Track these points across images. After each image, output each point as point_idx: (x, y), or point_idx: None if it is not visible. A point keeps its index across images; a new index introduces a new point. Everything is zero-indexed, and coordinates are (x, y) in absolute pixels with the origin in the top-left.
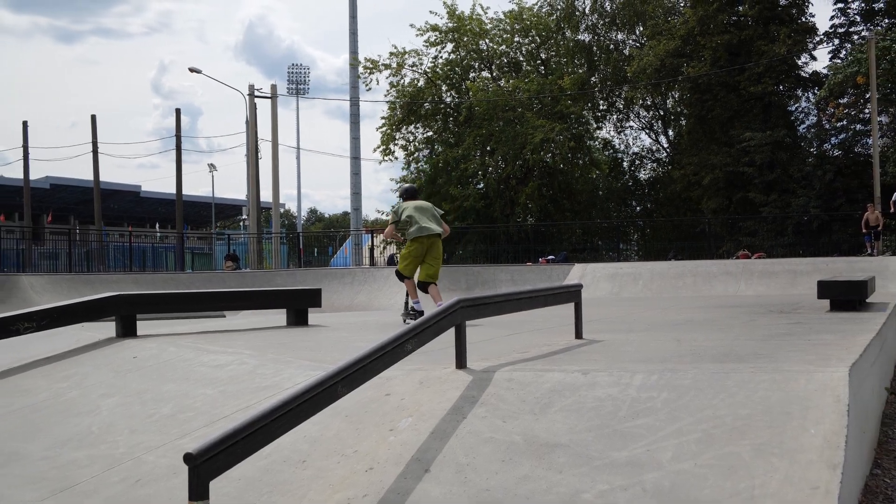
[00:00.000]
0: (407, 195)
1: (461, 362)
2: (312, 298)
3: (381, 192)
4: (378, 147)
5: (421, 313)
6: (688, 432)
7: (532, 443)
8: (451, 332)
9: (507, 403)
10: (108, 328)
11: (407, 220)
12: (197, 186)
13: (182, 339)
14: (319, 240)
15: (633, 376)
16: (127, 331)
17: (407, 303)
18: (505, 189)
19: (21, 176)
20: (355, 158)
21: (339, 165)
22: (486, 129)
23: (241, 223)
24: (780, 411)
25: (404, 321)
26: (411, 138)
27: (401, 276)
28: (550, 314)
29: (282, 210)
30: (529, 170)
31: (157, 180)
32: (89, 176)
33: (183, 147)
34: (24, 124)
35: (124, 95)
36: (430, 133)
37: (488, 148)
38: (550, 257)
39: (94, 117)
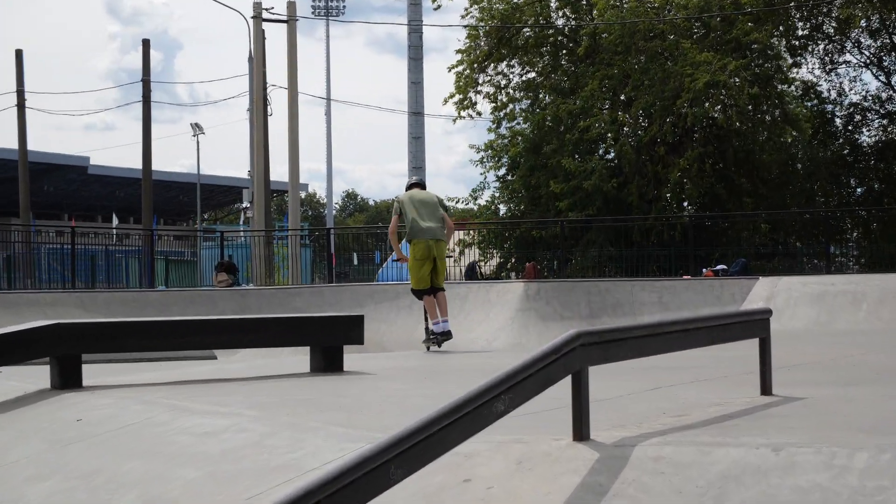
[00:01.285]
0: (413, 182)
1: (582, 431)
2: (350, 330)
3: (455, 166)
4: (451, 97)
5: (447, 335)
6: None
7: None
8: (566, 382)
9: (654, 497)
10: (38, 375)
11: (405, 217)
12: (174, 159)
13: (151, 392)
14: (361, 239)
15: (854, 455)
16: (67, 379)
17: (427, 326)
18: (648, 161)
19: None
20: (416, 115)
21: (390, 125)
22: (618, 67)
23: (242, 214)
24: None
25: (427, 349)
26: (503, 83)
27: (418, 294)
28: (721, 356)
29: (303, 194)
30: (687, 131)
31: (113, 150)
32: (11, 143)
33: (153, 99)
34: None
35: (66, 22)
36: (531, 75)
37: (622, 97)
38: (720, 267)
39: (19, 54)
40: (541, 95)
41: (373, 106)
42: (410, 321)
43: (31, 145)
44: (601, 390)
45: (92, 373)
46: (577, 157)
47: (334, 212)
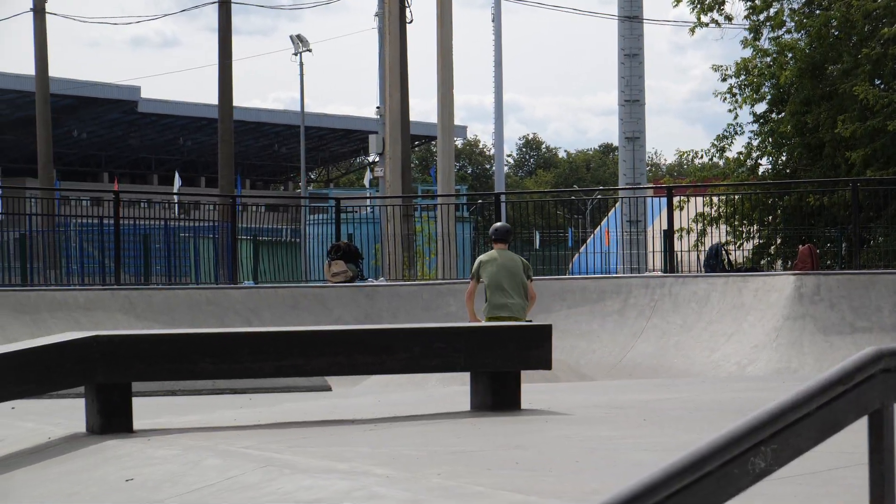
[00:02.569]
0: (495, 236)
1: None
2: (531, 348)
3: (690, 99)
4: None
5: None
6: None
7: None
8: (860, 425)
9: None
10: (68, 413)
11: (484, 283)
12: (266, 90)
13: (234, 440)
14: (546, 210)
15: None
16: (111, 419)
17: None
18: None
19: None
20: (631, 20)
21: (589, 37)
22: None
23: (368, 172)
24: None
25: None
26: None
27: None
28: None
29: (459, 142)
30: None
31: (175, 76)
32: (26, 67)
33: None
34: None
35: None
36: None
37: None
38: None
39: None
40: None
41: (564, 7)
42: (621, 334)
43: (55, 70)
44: None
45: (147, 410)
46: (879, 83)
47: (506, 169)
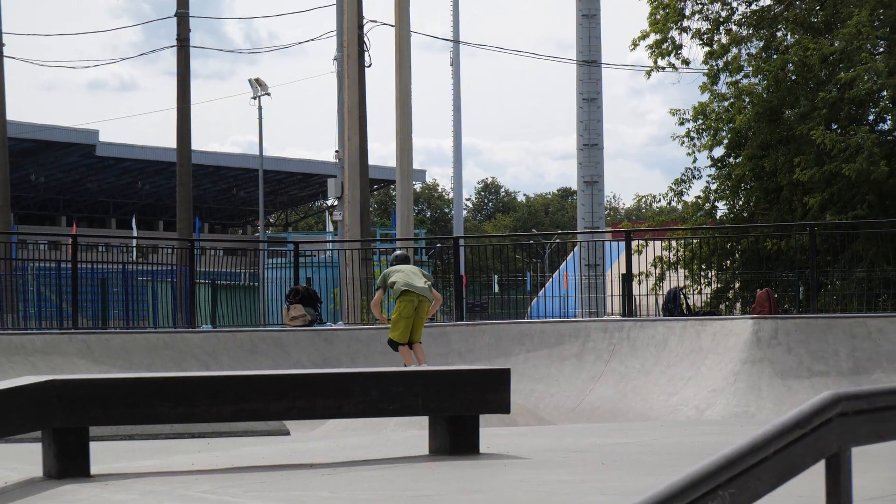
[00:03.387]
0: (397, 261)
1: None
2: (489, 391)
3: (647, 143)
4: (643, 38)
5: None
6: None
7: None
8: (817, 469)
9: None
10: (25, 457)
11: (393, 283)
12: (224, 134)
13: (192, 485)
14: (504, 254)
15: None
16: (68, 464)
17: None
18: None
19: None
20: (589, 64)
21: (549, 81)
22: None
23: (327, 216)
24: None
25: None
26: (723, 14)
27: (394, 345)
28: None
29: (418, 186)
30: None
31: (133, 120)
32: None
33: (193, 42)
34: None
35: None
36: (767, 1)
37: None
38: None
39: None
40: (780, 34)
41: (523, 52)
42: (579, 378)
43: (12, 113)
44: (868, 484)
45: (105, 454)
46: (835, 127)
47: (465, 212)
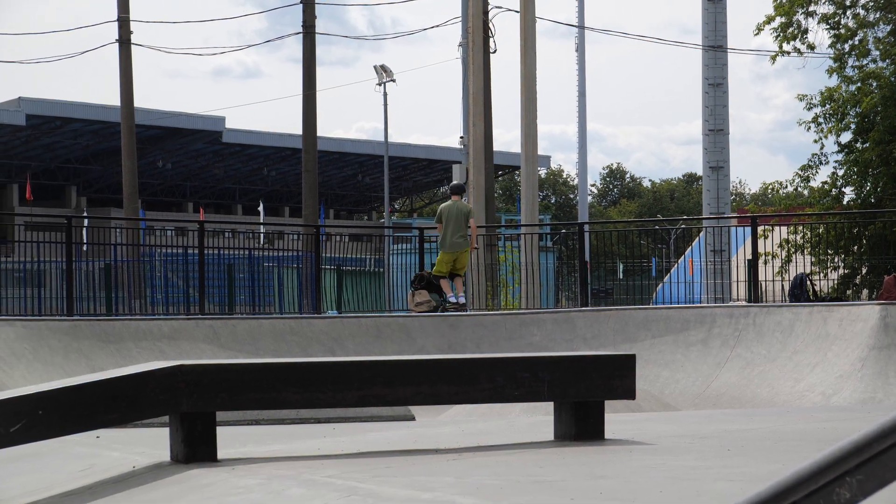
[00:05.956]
0: (451, 191)
1: None
2: (614, 378)
3: (772, 128)
4: (769, 22)
5: (462, 307)
6: None
7: None
8: None
9: None
10: (153, 441)
11: (440, 235)
12: (349, 120)
13: (318, 469)
14: (630, 240)
15: None
16: (196, 448)
17: (444, 298)
18: None
19: None
20: (714, 50)
21: (672, 67)
22: None
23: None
24: None
25: (441, 308)
26: None
27: (437, 279)
28: None
29: (543, 171)
30: None
31: (258, 107)
32: (110, 97)
33: (318, 29)
34: None
35: None
36: None
37: None
38: None
39: None
40: None
41: (647, 37)
42: (705, 364)
43: (139, 100)
44: None
45: (231, 439)
46: None
47: (590, 198)
